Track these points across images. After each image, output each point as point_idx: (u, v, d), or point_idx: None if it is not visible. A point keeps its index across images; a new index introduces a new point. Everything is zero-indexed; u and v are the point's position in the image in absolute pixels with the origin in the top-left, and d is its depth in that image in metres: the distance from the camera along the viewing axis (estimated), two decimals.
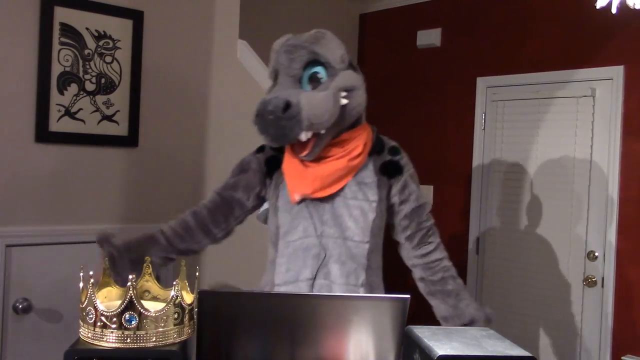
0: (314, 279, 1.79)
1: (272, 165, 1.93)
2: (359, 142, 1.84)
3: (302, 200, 1.83)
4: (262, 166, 1.93)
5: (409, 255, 1.94)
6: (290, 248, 1.83)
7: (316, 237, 1.81)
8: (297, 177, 1.82)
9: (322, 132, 1.74)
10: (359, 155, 1.82)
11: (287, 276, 1.82)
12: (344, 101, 1.76)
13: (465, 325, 1.84)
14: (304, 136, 1.71)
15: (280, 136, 1.70)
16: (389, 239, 1.96)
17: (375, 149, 1.89)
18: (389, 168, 1.88)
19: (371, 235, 1.84)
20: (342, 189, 1.83)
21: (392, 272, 2.02)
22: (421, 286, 1.95)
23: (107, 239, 1.80)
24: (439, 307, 1.92)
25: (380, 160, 1.89)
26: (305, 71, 1.79)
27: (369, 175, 1.85)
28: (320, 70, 1.78)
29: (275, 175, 1.91)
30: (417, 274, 1.95)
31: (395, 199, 1.89)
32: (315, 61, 1.78)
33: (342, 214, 1.82)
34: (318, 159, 1.81)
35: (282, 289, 1.82)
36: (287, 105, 1.66)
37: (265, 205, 2.01)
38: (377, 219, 1.85)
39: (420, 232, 1.90)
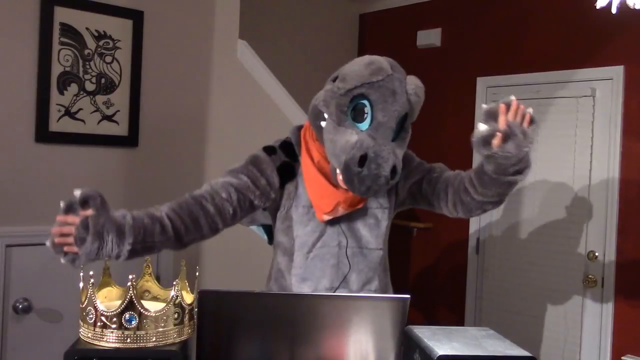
0: (336, 289, 1.79)
1: (285, 174, 1.83)
2: None
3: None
4: (274, 173, 1.80)
5: (449, 209, 1.84)
6: (308, 259, 1.81)
7: (335, 247, 1.80)
8: (327, 196, 1.76)
9: None
10: None
11: (304, 287, 1.81)
12: None
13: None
14: None
15: (373, 193, 1.66)
16: (388, 241, 1.96)
17: None
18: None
19: (383, 241, 1.86)
20: None
21: (393, 272, 2.02)
22: (474, 194, 1.73)
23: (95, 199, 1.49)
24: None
25: None
26: None
27: None
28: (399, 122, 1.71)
29: (288, 184, 1.83)
30: (463, 197, 1.77)
31: (405, 191, 1.89)
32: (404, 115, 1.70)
33: (358, 222, 1.83)
34: None
35: None
36: (395, 172, 1.64)
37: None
38: (388, 225, 1.88)
39: (438, 186, 1.83)
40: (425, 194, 1.86)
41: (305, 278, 1.81)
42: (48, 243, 1.48)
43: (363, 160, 1.60)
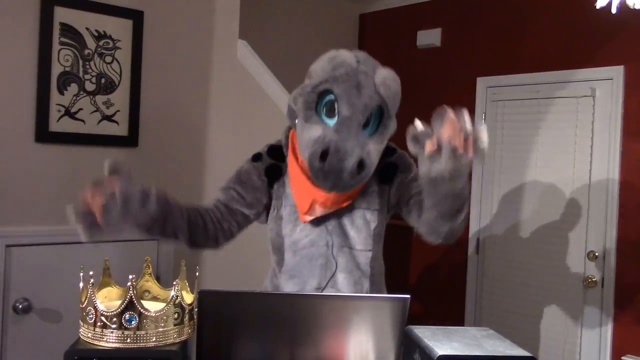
0: (324, 288, 1.78)
1: (272, 175, 1.84)
2: None
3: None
4: (262, 177, 1.83)
5: (414, 223, 1.82)
6: (297, 257, 1.80)
7: (323, 246, 1.79)
8: (309, 197, 1.75)
9: None
10: None
11: (291, 284, 1.80)
12: None
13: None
14: None
15: (339, 188, 1.66)
16: (388, 241, 1.96)
17: None
18: (386, 175, 1.86)
19: (373, 243, 1.83)
20: None
21: (393, 272, 2.02)
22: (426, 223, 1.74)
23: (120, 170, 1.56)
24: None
25: (379, 165, 1.85)
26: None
27: (371, 183, 1.83)
28: (374, 116, 1.71)
29: (276, 184, 1.84)
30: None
31: (396, 197, 1.86)
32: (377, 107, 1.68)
33: (345, 223, 1.81)
34: None
35: None
36: (362, 166, 1.62)
37: None
38: (378, 227, 1.84)
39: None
40: (409, 205, 1.83)
41: (293, 275, 1.80)
42: (72, 212, 1.53)
43: (325, 154, 1.60)
